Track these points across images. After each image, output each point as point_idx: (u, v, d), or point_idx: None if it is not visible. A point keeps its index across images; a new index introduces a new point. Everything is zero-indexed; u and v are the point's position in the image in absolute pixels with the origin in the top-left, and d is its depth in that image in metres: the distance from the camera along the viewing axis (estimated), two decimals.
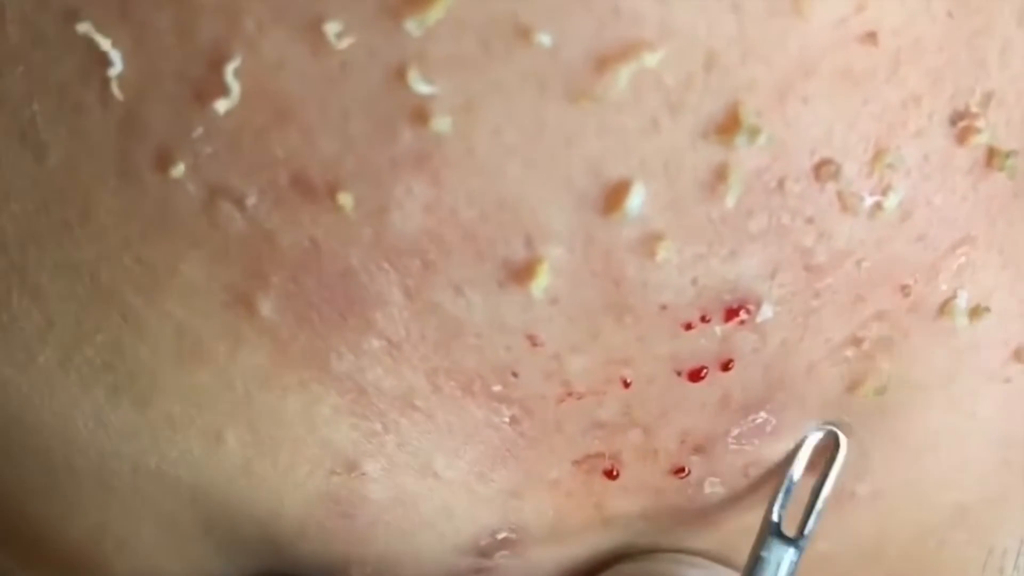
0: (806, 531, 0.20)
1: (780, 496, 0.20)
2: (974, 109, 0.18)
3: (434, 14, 0.16)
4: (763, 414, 0.20)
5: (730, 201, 0.17)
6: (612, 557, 0.22)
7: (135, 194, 0.17)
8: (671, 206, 0.17)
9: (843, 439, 0.20)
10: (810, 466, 0.20)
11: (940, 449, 0.21)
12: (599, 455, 0.20)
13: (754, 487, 0.21)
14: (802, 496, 0.21)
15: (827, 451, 0.21)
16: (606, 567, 0.22)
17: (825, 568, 0.22)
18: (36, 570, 0.23)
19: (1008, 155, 0.19)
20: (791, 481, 0.20)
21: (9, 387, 0.19)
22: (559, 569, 0.22)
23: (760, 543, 0.20)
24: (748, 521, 0.21)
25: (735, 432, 0.20)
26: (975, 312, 0.20)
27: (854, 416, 0.20)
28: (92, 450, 0.20)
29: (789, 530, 0.20)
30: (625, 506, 0.21)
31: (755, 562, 0.20)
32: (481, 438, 0.19)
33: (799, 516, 0.21)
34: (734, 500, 0.21)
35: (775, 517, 0.20)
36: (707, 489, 0.20)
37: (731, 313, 0.18)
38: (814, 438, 0.20)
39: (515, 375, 0.18)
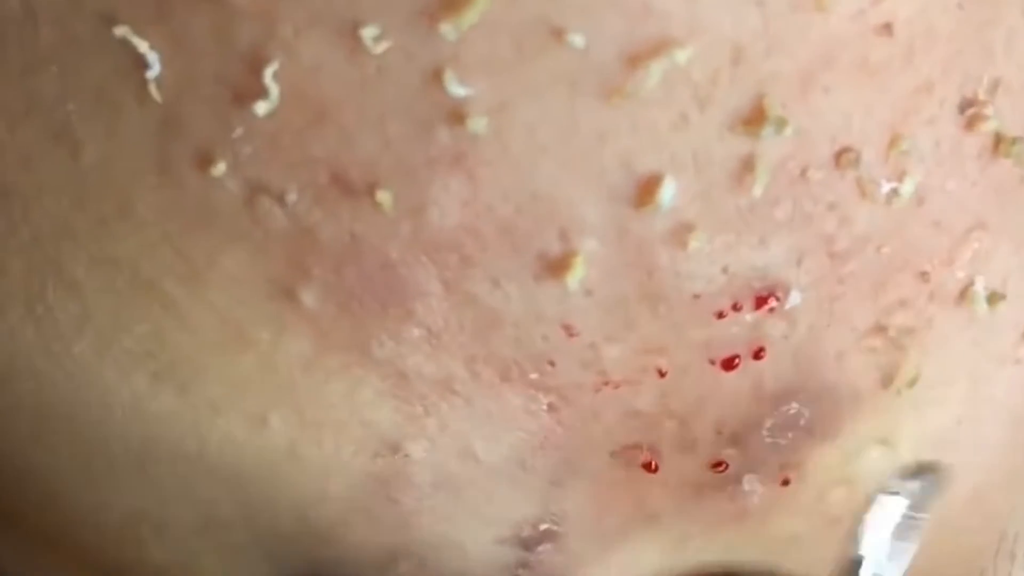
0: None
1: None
2: (982, 96, 0.18)
3: (469, 18, 0.16)
4: (795, 404, 0.20)
5: (757, 190, 0.18)
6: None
7: (175, 191, 0.18)
8: (701, 197, 0.18)
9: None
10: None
11: (960, 436, 0.22)
12: (637, 446, 0.20)
13: (792, 492, 0.21)
14: None
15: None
16: (647, 567, 0.22)
17: None
18: (60, 565, 0.23)
19: (1014, 141, 0.19)
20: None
21: (44, 378, 0.20)
22: (599, 565, 0.22)
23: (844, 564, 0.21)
24: (790, 528, 0.21)
25: (769, 423, 0.20)
26: (992, 298, 0.20)
27: (886, 411, 0.21)
28: (130, 437, 0.20)
29: None
30: (666, 503, 0.21)
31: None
32: (519, 424, 0.20)
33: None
34: (773, 503, 0.21)
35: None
36: (746, 487, 0.21)
37: (761, 300, 0.19)
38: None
39: (552, 364, 0.19)
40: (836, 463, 0.21)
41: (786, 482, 0.21)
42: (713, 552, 0.22)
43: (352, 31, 0.16)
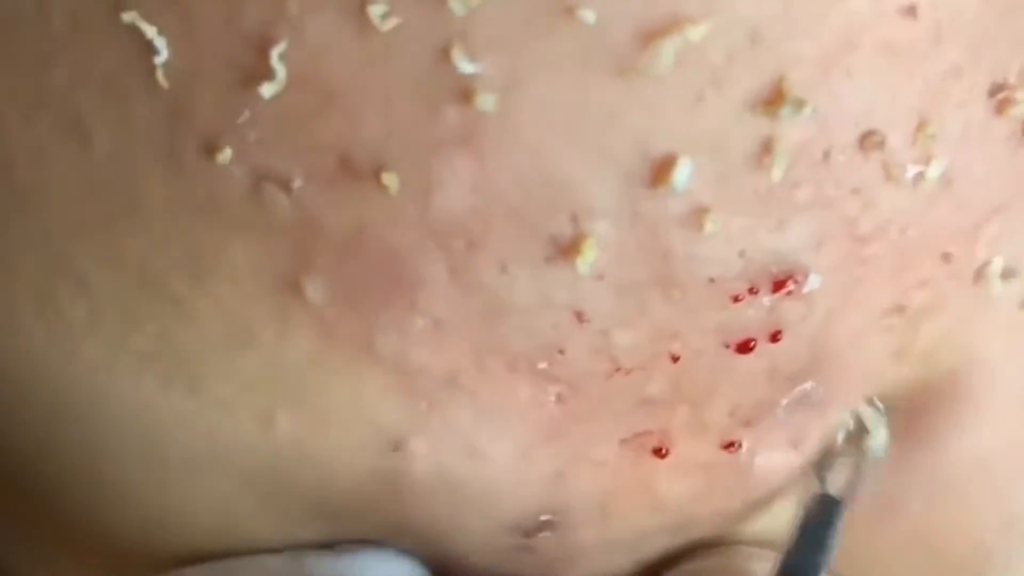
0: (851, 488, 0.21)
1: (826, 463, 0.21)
2: (1012, 81, 0.18)
3: None
4: (810, 383, 0.20)
5: (776, 173, 0.17)
6: (664, 550, 0.22)
7: (182, 181, 0.17)
8: (718, 179, 0.17)
9: (880, 416, 0.21)
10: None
11: (966, 404, 0.21)
12: (647, 433, 0.20)
13: (801, 458, 0.21)
14: None
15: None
16: (650, 547, 0.22)
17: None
18: (71, 568, 0.23)
19: None
20: (836, 449, 0.21)
21: (56, 379, 0.19)
22: (602, 548, 0.21)
23: (810, 499, 0.21)
24: (794, 492, 0.21)
25: (783, 402, 0.20)
26: (1005, 274, 0.20)
27: (895, 379, 0.21)
28: (142, 438, 0.20)
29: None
30: (674, 486, 0.21)
31: (805, 514, 0.21)
32: (526, 416, 0.19)
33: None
34: (782, 473, 0.21)
35: (820, 479, 0.21)
36: (756, 462, 0.21)
37: (779, 284, 0.18)
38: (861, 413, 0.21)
39: (561, 352, 0.18)
40: (843, 426, 0.21)
41: (796, 449, 0.21)
42: (718, 524, 0.22)
43: (359, 8, 0.16)
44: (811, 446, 0.21)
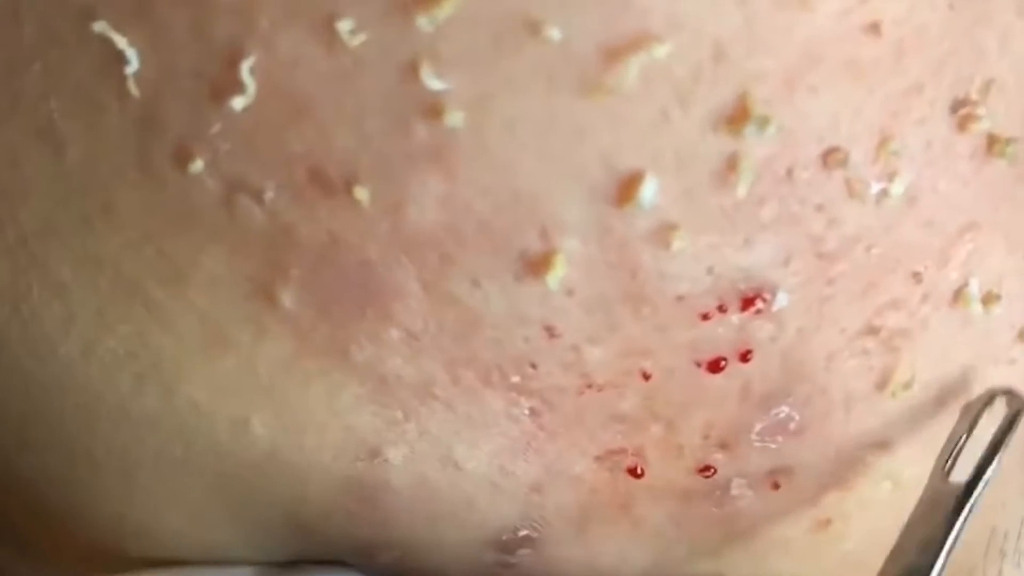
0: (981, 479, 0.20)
1: (959, 441, 0.20)
2: (974, 96, 0.18)
3: (445, 10, 0.16)
4: (785, 408, 0.20)
5: (742, 190, 0.18)
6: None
7: (155, 189, 0.18)
8: (684, 196, 0.17)
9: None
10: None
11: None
12: (622, 450, 0.20)
13: (783, 496, 0.21)
14: None
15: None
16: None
17: (850, 566, 0.22)
18: (49, 563, 0.23)
19: (1008, 142, 0.19)
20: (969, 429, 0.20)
21: (30, 379, 0.20)
22: (584, 571, 0.21)
23: (932, 485, 0.20)
24: (779, 533, 0.21)
25: (758, 427, 0.20)
26: (988, 298, 0.20)
27: (881, 414, 0.20)
28: (115, 440, 0.20)
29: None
30: (652, 508, 0.21)
31: (928, 500, 0.20)
32: (501, 429, 0.19)
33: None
34: (762, 508, 0.21)
35: (946, 465, 0.20)
36: (734, 491, 0.20)
37: (747, 302, 0.19)
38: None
39: (533, 366, 0.19)
40: (828, 466, 0.21)
41: (776, 486, 0.20)
42: (701, 557, 0.21)
43: (328, 24, 0.16)
44: (795, 484, 0.21)
